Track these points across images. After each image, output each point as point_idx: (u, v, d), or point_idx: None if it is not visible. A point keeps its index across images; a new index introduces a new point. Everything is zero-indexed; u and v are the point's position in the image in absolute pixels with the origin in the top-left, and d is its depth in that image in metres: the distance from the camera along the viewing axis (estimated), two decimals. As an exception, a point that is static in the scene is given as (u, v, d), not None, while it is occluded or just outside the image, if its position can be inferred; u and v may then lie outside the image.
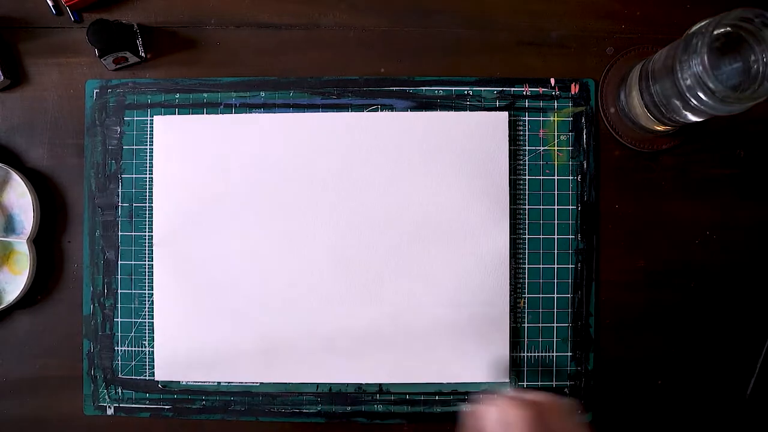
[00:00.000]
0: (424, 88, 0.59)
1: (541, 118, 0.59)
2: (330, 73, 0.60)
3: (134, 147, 0.60)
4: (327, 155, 0.58)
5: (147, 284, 0.59)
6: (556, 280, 0.59)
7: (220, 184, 0.59)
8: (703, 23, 0.44)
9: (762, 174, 0.59)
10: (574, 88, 0.59)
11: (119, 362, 0.59)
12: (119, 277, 0.59)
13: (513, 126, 0.59)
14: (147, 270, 0.59)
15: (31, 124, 0.60)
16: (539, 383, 0.58)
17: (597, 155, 0.59)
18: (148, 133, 0.59)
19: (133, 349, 0.59)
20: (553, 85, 0.59)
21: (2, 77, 0.59)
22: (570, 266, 0.59)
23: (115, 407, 0.59)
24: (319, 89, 0.59)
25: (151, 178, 0.59)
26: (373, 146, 0.58)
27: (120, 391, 0.59)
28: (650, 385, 0.59)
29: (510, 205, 0.58)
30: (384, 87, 0.59)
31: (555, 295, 0.59)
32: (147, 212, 0.59)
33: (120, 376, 0.59)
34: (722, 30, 0.44)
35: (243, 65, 0.60)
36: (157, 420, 0.59)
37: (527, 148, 0.59)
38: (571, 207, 0.59)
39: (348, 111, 0.59)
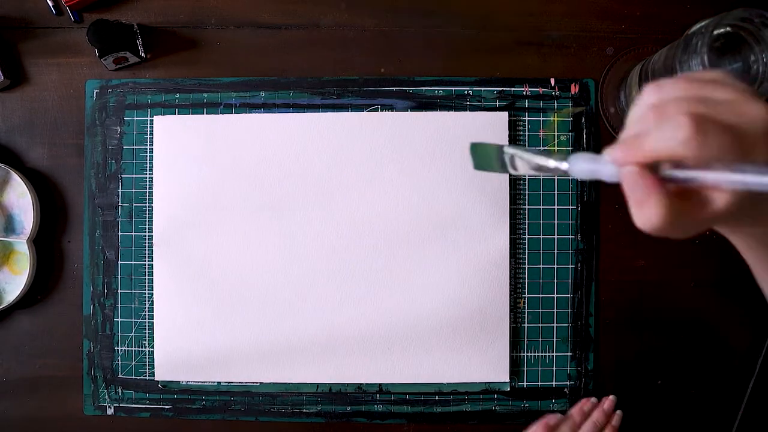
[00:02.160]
0: (424, 88, 0.59)
1: (541, 118, 0.59)
2: (330, 73, 0.60)
3: (134, 147, 0.60)
4: (327, 155, 0.58)
5: (147, 284, 0.59)
6: (556, 280, 0.59)
7: (220, 184, 0.59)
8: (703, 23, 0.44)
9: (762, 174, 0.59)
10: (574, 88, 0.59)
11: (119, 362, 0.59)
12: (119, 277, 0.59)
13: (513, 126, 0.59)
14: (147, 270, 0.59)
15: (31, 124, 0.60)
16: (539, 383, 0.58)
17: (597, 155, 0.59)
18: (148, 133, 0.59)
19: (133, 349, 0.59)
20: (553, 85, 0.59)
21: (2, 77, 0.59)
22: (570, 266, 0.59)
23: (115, 407, 0.59)
24: (319, 89, 0.59)
25: (151, 178, 0.59)
26: (373, 146, 0.58)
27: (120, 391, 0.59)
28: (650, 385, 0.59)
29: (510, 205, 0.58)
30: (384, 87, 0.59)
31: (555, 295, 0.59)
32: (147, 212, 0.59)
33: (120, 376, 0.59)
34: (722, 30, 0.44)
35: (243, 65, 0.60)
36: (157, 420, 0.59)
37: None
38: (571, 207, 0.59)
39: (348, 111, 0.59)
